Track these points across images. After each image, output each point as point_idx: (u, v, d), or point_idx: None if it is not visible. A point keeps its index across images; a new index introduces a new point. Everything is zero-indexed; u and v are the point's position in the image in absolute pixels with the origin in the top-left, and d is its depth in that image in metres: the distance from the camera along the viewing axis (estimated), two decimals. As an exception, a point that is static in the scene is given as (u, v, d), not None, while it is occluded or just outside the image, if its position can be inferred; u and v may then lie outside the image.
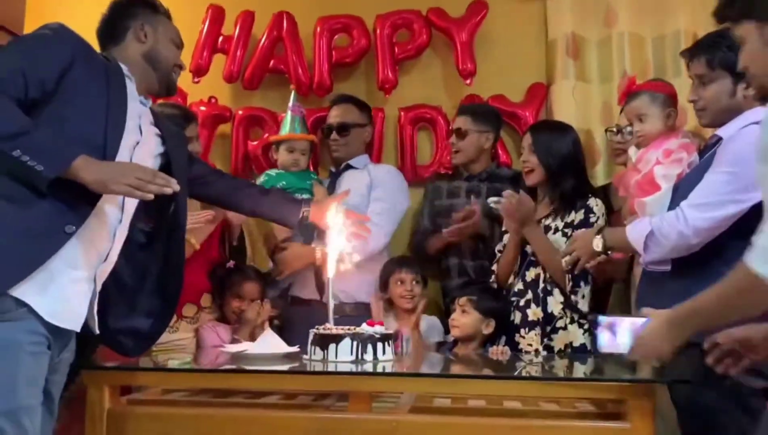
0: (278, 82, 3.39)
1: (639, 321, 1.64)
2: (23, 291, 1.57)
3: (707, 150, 2.07)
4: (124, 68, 1.89)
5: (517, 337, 2.52)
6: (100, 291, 1.79)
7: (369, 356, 1.95)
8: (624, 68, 3.13)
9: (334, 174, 3.07)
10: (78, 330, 1.72)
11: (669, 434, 2.07)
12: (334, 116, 3.07)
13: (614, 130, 2.63)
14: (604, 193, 2.71)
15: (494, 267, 2.71)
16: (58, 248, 1.61)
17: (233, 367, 2.03)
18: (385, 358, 1.98)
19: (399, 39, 3.35)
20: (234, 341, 2.54)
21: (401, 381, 1.94)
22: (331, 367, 1.94)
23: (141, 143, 1.86)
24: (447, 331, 2.70)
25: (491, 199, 2.59)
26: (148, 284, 1.97)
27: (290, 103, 3.13)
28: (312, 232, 2.72)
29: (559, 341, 2.49)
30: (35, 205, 1.60)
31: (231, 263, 2.80)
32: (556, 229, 2.53)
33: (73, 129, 1.68)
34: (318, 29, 3.35)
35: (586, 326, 2.49)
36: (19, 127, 1.58)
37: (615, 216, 2.59)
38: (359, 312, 2.78)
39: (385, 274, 2.85)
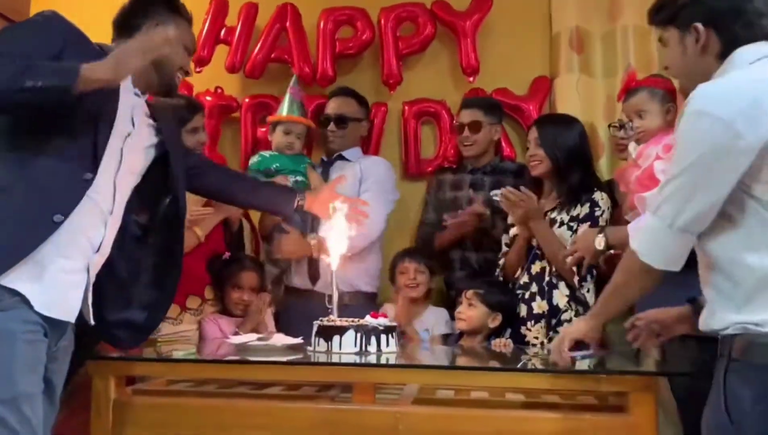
0: (281, 71, 3.39)
1: None
2: (13, 279, 1.56)
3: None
4: None
5: (522, 330, 2.53)
6: (95, 283, 1.78)
7: (373, 348, 1.97)
8: (628, 62, 3.11)
9: (325, 163, 3.06)
10: (72, 321, 1.71)
11: (671, 426, 2.08)
12: (333, 108, 3.06)
13: (617, 125, 2.61)
14: (609, 188, 2.70)
15: (500, 260, 2.71)
16: (47, 236, 1.60)
17: (237, 358, 2.04)
18: (389, 349, 2.00)
19: (403, 32, 3.35)
20: (236, 335, 2.54)
21: (405, 372, 1.95)
22: (335, 359, 1.95)
23: (132, 134, 1.84)
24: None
25: (494, 192, 2.60)
26: (144, 277, 1.96)
27: (291, 83, 3.10)
28: (307, 222, 2.73)
29: (564, 334, 2.50)
30: (22, 194, 1.60)
31: (227, 254, 2.76)
32: (562, 223, 2.53)
33: (63, 118, 1.66)
34: (322, 21, 3.35)
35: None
36: (16, 68, 1.54)
37: (618, 211, 2.59)
38: (358, 301, 2.79)
39: (392, 266, 2.89)
